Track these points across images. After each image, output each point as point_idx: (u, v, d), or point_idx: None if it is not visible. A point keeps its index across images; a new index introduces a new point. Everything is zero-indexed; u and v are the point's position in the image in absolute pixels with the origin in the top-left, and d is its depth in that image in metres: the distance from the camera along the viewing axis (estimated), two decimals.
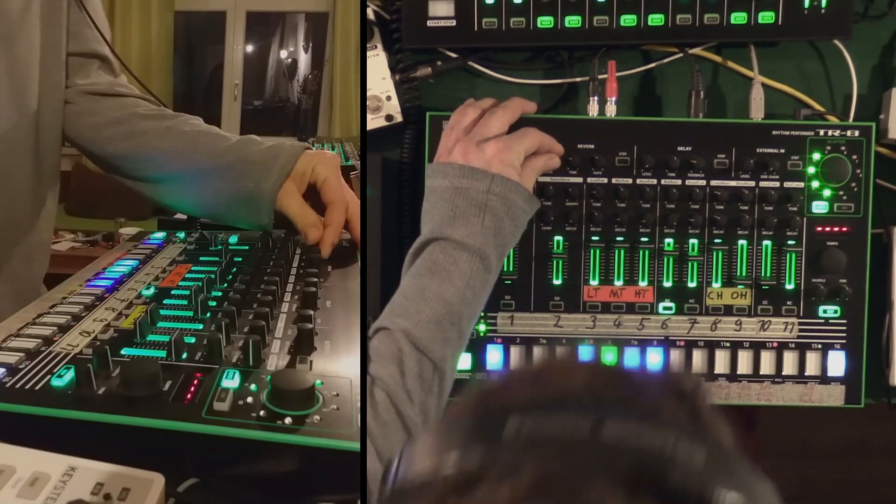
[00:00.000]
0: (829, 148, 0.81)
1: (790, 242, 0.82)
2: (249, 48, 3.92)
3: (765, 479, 0.34)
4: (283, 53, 4.00)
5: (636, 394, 0.38)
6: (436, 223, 0.70)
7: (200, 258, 0.82)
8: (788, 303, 0.82)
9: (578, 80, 0.85)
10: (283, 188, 0.79)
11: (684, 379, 0.42)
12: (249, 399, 0.49)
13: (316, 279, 0.72)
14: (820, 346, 0.82)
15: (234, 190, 0.81)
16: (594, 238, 0.81)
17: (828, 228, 0.82)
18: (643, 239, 0.81)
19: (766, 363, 0.82)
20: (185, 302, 0.67)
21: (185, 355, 0.55)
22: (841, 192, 0.82)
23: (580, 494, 0.31)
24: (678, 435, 0.33)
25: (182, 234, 0.92)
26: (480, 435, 0.34)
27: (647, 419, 0.34)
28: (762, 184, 0.81)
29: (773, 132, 0.81)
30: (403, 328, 0.65)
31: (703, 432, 0.37)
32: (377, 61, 0.84)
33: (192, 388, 0.50)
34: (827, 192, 0.82)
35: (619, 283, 0.82)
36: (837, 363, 0.82)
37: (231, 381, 0.51)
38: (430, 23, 0.82)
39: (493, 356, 0.82)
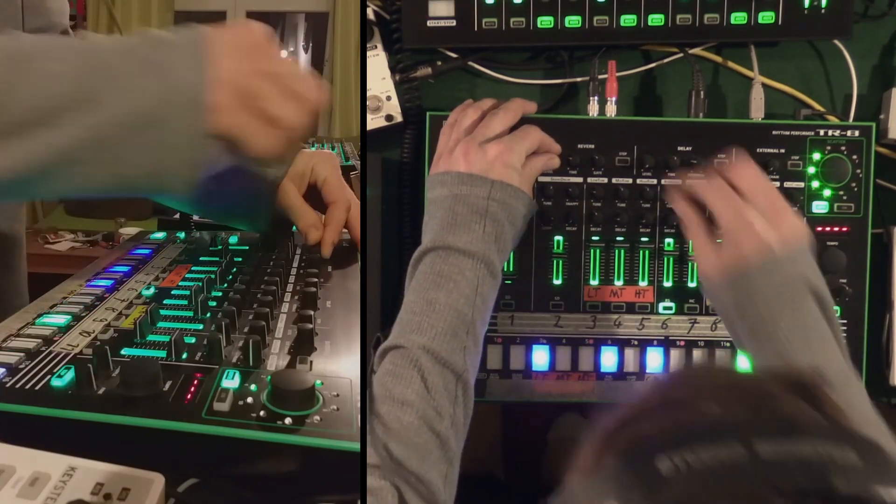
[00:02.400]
0: (829, 148, 0.81)
1: None
2: None
3: None
4: (283, 53, 4.01)
5: (767, 405, 0.39)
6: (435, 232, 0.68)
7: (200, 258, 0.82)
8: None
9: (578, 80, 0.85)
10: (282, 188, 0.79)
11: (800, 377, 0.42)
12: (249, 399, 0.49)
13: (316, 279, 0.72)
14: None
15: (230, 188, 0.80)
16: (594, 238, 0.81)
17: (828, 228, 0.82)
18: (643, 239, 0.81)
19: None
20: (185, 302, 0.67)
21: (185, 355, 0.55)
22: (841, 192, 0.82)
23: None
24: (825, 438, 0.34)
25: (182, 234, 0.92)
26: (637, 480, 0.35)
27: (790, 429, 0.35)
28: None
29: (773, 132, 0.81)
30: (421, 344, 0.63)
31: (838, 428, 0.39)
32: (377, 61, 0.84)
33: (192, 388, 0.50)
34: (827, 192, 0.82)
35: (619, 283, 0.82)
36: None
37: (231, 382, 0.51)
38: (430, 23, 0.82)
39: (494, 356, 0.82)
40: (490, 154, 0.70)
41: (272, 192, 0.79)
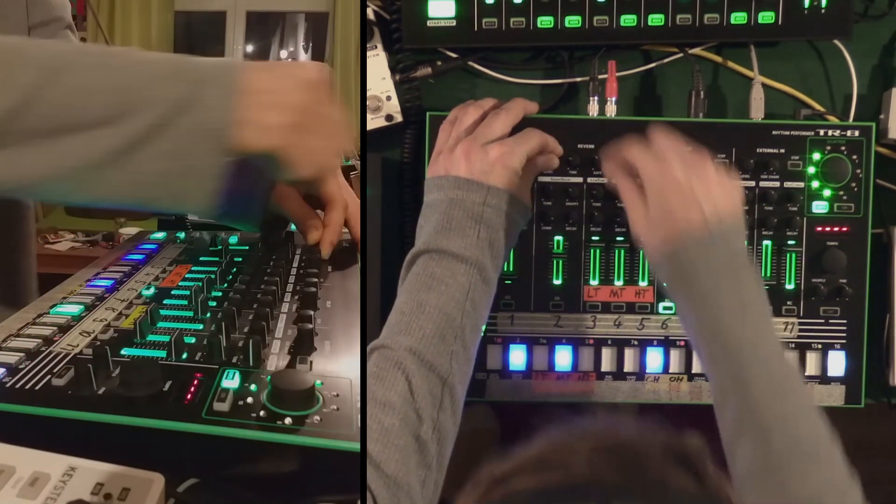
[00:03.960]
0: (829, 148, 0.81)
1: (790, 242, 0.82)
2: (249, 48, 3.92)
3: None
4: (283, 53, 4.01)
5: (640, 467, 0.39)
6: (430, 235, 0.68)
7: (200, 258, 0.82)
8: (788, 303, 0.82)
9: (578, 80, 0.85)
10: (281, 189, 0.78)
11: (685, 442, 0.42)
12: (249, 399, 0.49)
13: (316, 279, 0.72)
14: (820, 346, 0.82)
15: (228, 189, 0.80)
16: (594, 238, 0.81)
17: (828, 228, 0.82)
18: None
19: None
20: (185, 302, 0.67)
21: (185, 355, 0.55)
22: (841, 192, 0.82)
23: None
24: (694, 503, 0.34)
25: (182, 234, 0.92)
26: None
27: (656, 493, 0.35)
28: (762, 184, 0.81)
29: (773, 132, 0.81)
30: (407, 346, 0.63)
31: (711, 497, 0.38)
32: (377, 61, 0.84)
33: (192, 388, 0.50)
34: (827, 192, 0.82)
35: (619, 283, 0.82)
36: (837, 363, 0.82)
37: (231, 382, 0.51)
38: (430, 23, 0.82)
39: (494, 356, 0.82)
40: (492, 155, 0.69)
41: (266, 192, 0.78)
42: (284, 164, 0.55)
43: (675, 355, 0.82)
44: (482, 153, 0.70)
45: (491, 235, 0.68)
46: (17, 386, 0.50)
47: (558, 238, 0.81)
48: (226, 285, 0.72)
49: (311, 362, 0.55)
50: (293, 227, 0.84)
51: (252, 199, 0.79)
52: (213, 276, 0.73)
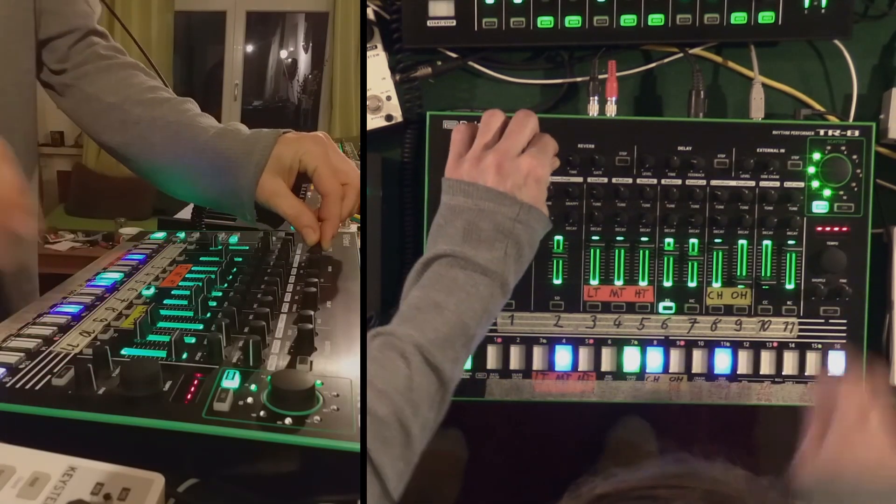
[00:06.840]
0: (829, 148, 0.81)
1: (790, 242, 0.82)
2: (249, 48, 3.92)
3: None
4: (283, 53, 4.01)
5: None
6: (455, 241, 0.67)
7: (200, 258, 0.82)
8: (788, 303, 0.82)
9: (578, 80, 0.86)
10: (270, 186, 0.76)
11: (792, 485, 0.43)
12: (249, 399, 0.49)
13: (316, 279, 0.72)
14: (820, 346, 0.82)
15: (217, 186, 0.78)
16: (594, 238, 0.81)
17: (828, 228, 0.82)
18: (643, 239, 0.81)
19: (767, 363, 0.82)
20: (185, 302, 0.67)
21: (185, 355, 0.55)
22: (841, 192, 0.82)
23: None
24: None
25: (182, 234, 0.92)
26: None
27: None
28: (762, 184, 0.81)
29: (773, 132, 0.81)
30: (416, 341, 0.62)
31: None
32: (377, 61, 0.84)
33: (192, 389, 0.50)
34: (827, 192, 0.82)
35: (619, 282, 0.82)
36: (837, 363, 0.82)
37: (231, 382, 0.51)
38: (430, 23, 0.82)
39: (494, 356, 0.82)
40: (523, 168, 0.68)
41: (250, 188, 0.77)
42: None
43: (675, 355, 0.82)
44: (514, 166, 0.68)
45: (517, 251, 0.67)
46: (17, 386, 0.50)
47: (558, 238, 0.81)
48: (226, 285, 0.72)
49: (311, 362, 0.55)
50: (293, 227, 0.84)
51: (240, 197, 0.78)
52: (213, 276, 0.73)
